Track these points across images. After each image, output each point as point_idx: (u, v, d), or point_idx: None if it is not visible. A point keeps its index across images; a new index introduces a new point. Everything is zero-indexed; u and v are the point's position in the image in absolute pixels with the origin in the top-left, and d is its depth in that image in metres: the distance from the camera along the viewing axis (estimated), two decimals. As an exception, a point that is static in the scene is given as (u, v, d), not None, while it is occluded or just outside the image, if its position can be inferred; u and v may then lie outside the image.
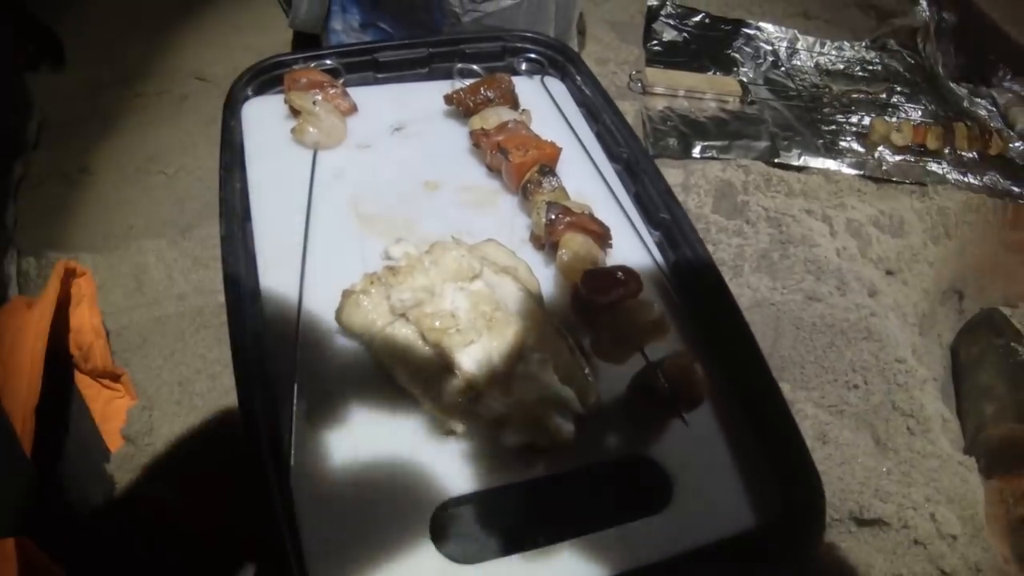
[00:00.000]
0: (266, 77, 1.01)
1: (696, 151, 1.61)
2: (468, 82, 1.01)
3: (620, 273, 0.77)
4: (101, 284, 1.25)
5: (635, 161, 0.98)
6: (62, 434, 1.04)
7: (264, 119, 0.97)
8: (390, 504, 0.66)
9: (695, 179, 1.52)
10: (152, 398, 1.13)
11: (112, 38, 1.80)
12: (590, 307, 0.77)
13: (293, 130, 0.92)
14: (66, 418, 1.06)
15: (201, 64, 1.74)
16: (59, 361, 1.05)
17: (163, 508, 1.02)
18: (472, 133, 0.95)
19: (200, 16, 1.91)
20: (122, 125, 1.58)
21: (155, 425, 1.10)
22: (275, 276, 0.80)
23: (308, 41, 1.61)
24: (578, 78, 1.09)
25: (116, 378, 1.13)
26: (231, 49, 1.79)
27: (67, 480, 1.00)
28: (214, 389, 1.14)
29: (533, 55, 1.11)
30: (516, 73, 1.09)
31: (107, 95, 1.65)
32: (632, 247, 0.88)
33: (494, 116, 0.95)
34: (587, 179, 0.95)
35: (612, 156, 1.00)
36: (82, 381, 1.11)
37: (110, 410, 1.13)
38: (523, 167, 0.88)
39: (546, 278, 0.83)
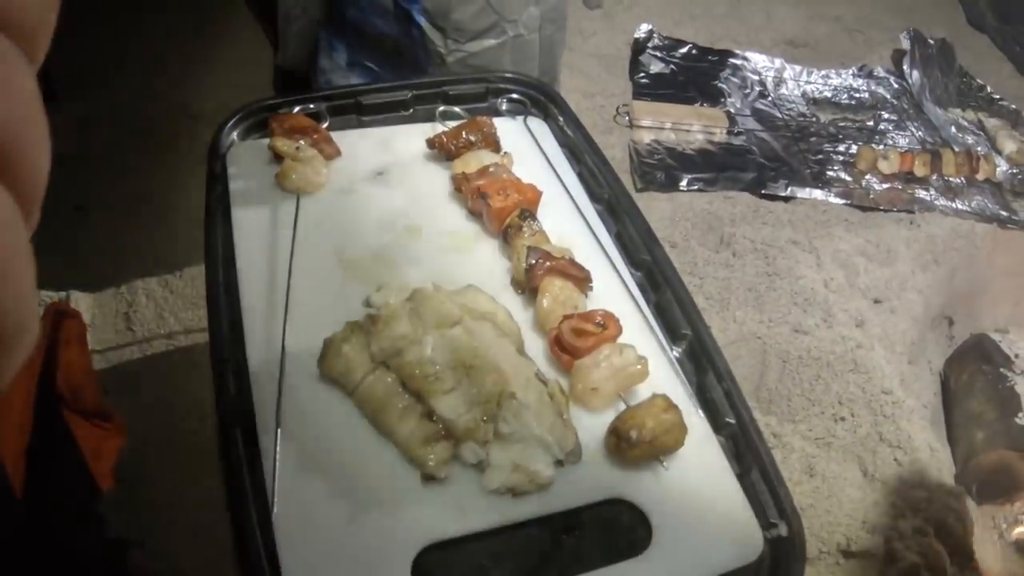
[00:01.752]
0: (251, 122, 1.02)
1: (683, 183, 1.62)
2: (451, 125, 1.03)
3: (599, 318, 0.78)
4: (92, 323, 1.26)
5: (617, 201, 0.99)
6: (53, 474, 1.04)
7: (249, 164, 0.98)
8: (372, 549, 0.67)
9: (682, 212, 1.53)
10: (143, 437, 1.14)
11: (104, 75, 1.82)
12: (569, 352, 0.78)
13: (277, 175, 0.93)
14: (57, 458, 1.06)
15: (191, 101, 1.76)
16: (50, 402, 1.05)
17: (153, 550, 1.02)
18: (454, 177, 0.96)
19: (190, 53, 1.93)
20: (113, 163, 1.59)
21: (146, 464, 1.11)
22: (259, 322, 0.81)
23: (296, 78, 1.63)
24: (560, 118, 1.10)
25: (107, 417, 1.14)
26: (220, 86, 1.81)
27: (58, 520, 1.01)
28: (204, 428, 1.14)
29: (516, 95, 1.12)
30: (499, 114, 1.10)
31: (99, 132, 1.67)
32: (613, 289, 0.89)
33: (475, 160, 0.96)
34: (569, 220, 0.96)
35: (594, 197, 1.01)
36: (73, 421, 1.11)
37: (102, 450, 1.13)
38: (503, 211, 0.89)
39: (526, 322, 0.84)
